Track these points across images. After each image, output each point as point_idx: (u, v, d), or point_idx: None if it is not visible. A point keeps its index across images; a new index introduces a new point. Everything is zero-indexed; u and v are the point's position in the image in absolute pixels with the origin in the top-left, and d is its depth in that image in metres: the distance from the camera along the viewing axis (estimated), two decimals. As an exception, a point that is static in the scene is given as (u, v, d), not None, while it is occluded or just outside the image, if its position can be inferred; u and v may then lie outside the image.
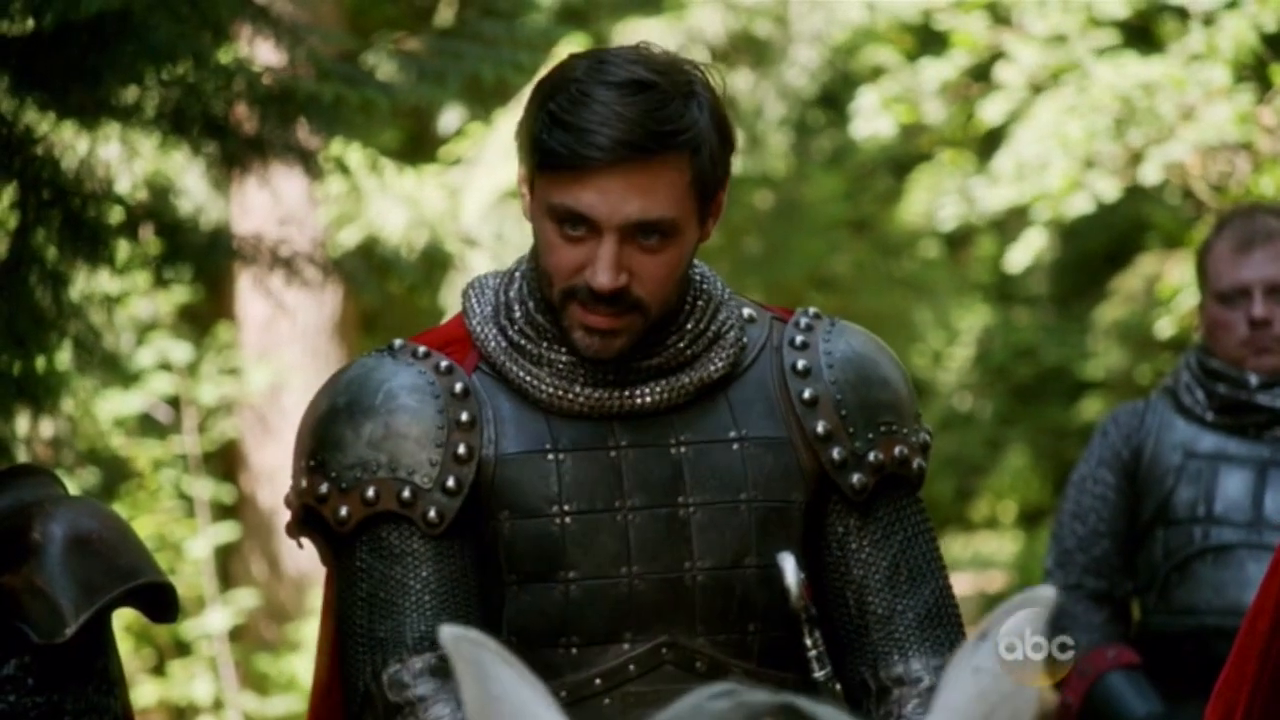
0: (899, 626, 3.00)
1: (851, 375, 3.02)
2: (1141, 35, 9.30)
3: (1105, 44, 8.92)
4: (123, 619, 9.60)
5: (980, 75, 9.53)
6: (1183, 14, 9.05)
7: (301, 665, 9.93)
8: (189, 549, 9.85)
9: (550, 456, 2.94)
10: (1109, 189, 8.88)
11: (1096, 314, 12.90)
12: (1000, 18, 9.19)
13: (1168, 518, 4.59)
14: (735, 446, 2.97)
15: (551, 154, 2.86)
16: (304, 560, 10.04)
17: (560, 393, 2.95)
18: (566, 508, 2.93)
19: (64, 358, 5.20)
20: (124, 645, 9.75)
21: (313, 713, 3.08)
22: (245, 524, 10.21)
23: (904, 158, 13.52)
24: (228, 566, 10.27)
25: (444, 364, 2.97)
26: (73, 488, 8.65)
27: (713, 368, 2.98)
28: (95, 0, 4.03)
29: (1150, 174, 8.83)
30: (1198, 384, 4.66)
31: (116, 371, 9.06)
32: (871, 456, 3.01)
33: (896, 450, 3.03)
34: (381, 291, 8.52)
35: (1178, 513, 4.58)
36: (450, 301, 10.15)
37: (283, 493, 3.06)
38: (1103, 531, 4.65)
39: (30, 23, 4.29)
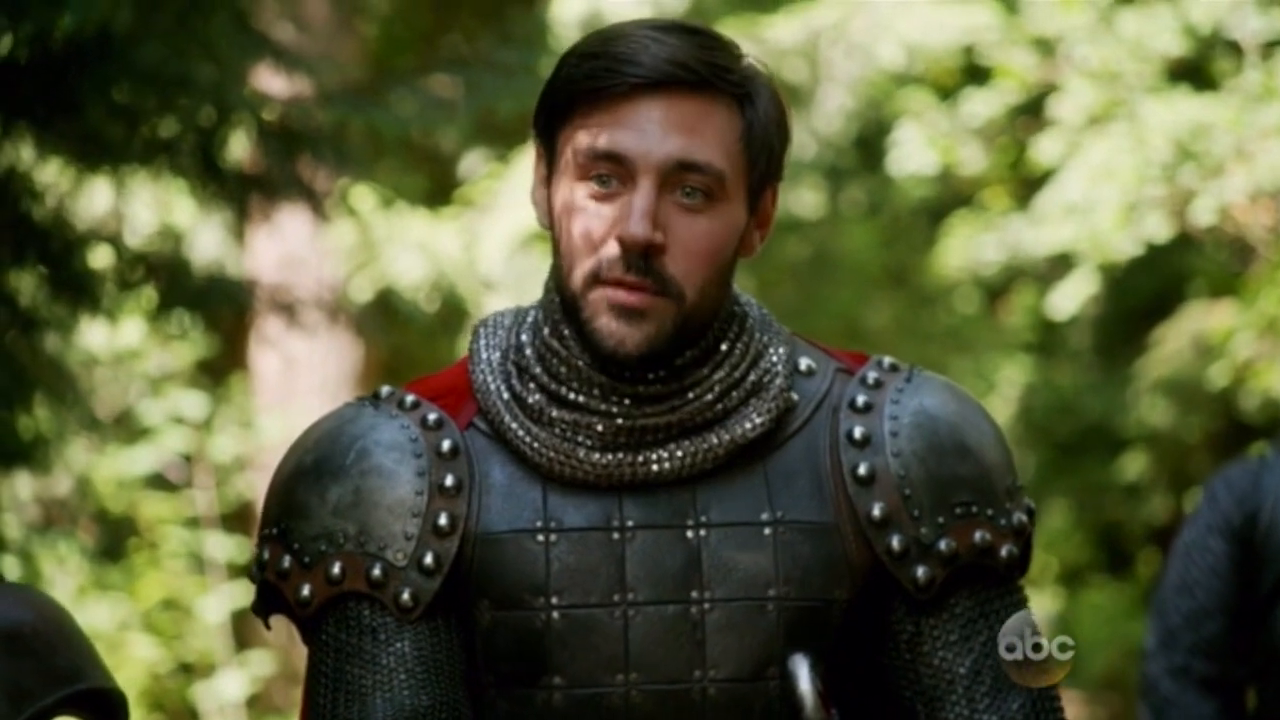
0: None
1: (920, 445, 2.52)
2: (1195, 74, 9.01)
3: (1157, 83, 8.66)
4: (133, 681, 9.28)
5: (1025, 112, 9.29)
6: (1237, 50, 8.78)
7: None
8: (201, 611, 9.59)
9: (540, 538, 2.48)
10: (1159, 229, 8.59)
11: (1139, 367, 12.60)
12: (1048, 52, 8.93)
13: None
14: (767, 531, 2.49)
15: (581, 83, 2.45)
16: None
17: (562, 458, 2.49)
18: (555, 600, 2.47)
19: (53, 415, 4.90)
20: (132, 711, 9.45)
21: None
22: (261, 585, 9.92)
23: (940, 205, 13.27)
24: (242, 629, 9.99)
25: (432, 417, 2.53)
26: (74, 549, 8.40)
27: (748, 425, 2.50)
28: (75, 10, 3.71)
29: (1202, 214, 8.54)
30: None
31: (122, 428, 8.80)
32: (942, 545, 2.50)
33: (976, 536, 2.51)
34: (395, 340, 8.26)
35: None
36: (470, 351, 9.88)
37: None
38: (1213, 608, 4.18)
39: (8, 40, 4.00)
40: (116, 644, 9.30)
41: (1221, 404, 11.47)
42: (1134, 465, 13.52)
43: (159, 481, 9.86)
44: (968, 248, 11.57)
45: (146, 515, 9.60)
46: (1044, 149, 8.86)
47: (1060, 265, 10.15)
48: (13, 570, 6.08)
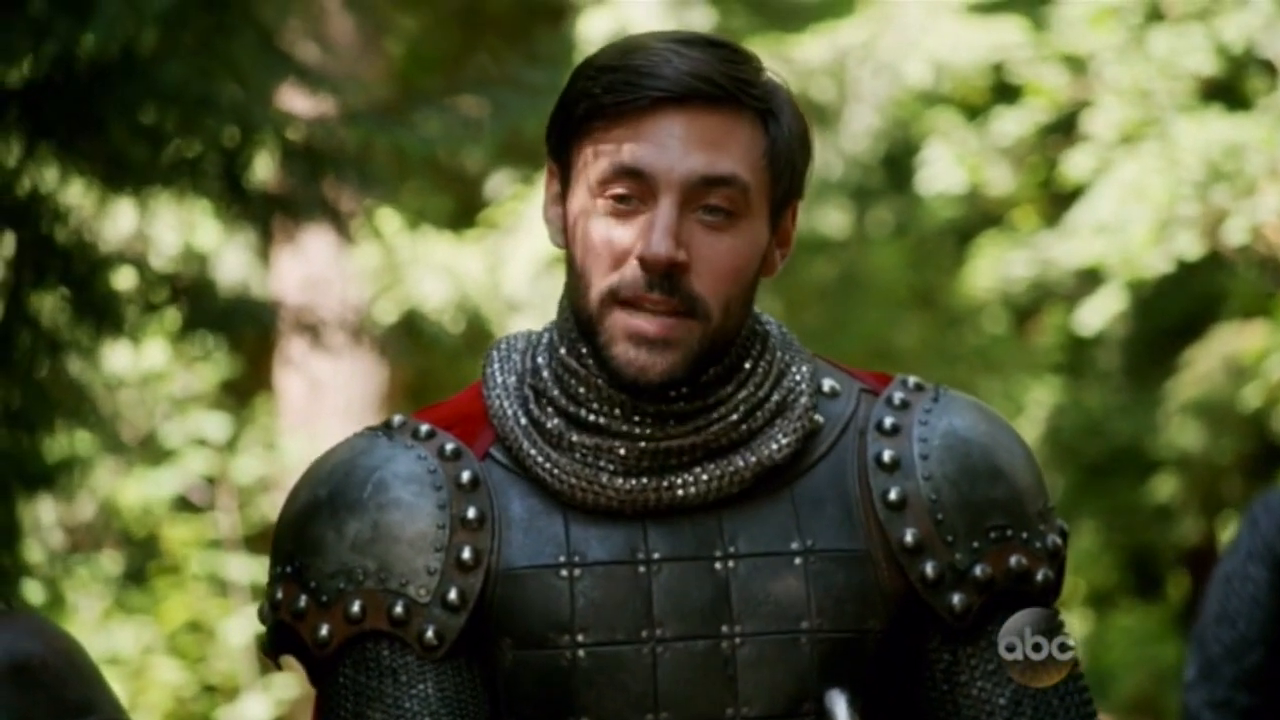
0: None
1: (952, 468, 2.43)
2: (1227, 93, 8.95)
3: (1189, 102, 8.62)
4: (157, 704, 9.23)
5: (1055, 131, 9.24)
6: (1270, 69, 8.72)
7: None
8: (225, 633, 9.56)
9: (564, 573, 2.38)
10: (1191, 248, 8.53)
11: (1170, 388, 12.53)
12: (1079, 69, 8.87)
13: None
14: (797, 561, 2.39)
15: (599, 97, 2.35)
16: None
17: (584, 484, 2.40)
18: (580, 638, 2.37)
19: (82, 437, 4.85)
20: (156, 736, 9.44)
21: None
22: (285, 607, 9.88)
23: (969, 225, 13.21)
24: (267, 652, 9.97)
25: (450, 447, 2.42)
26: (99, 573, 8.35)
27: (775, 446, 2.42)
28: (99, 29, 3.67)
29: (1234, 234, 8.49)
30: None
31: (146, 451, 8.76)
32: (977, 571, 2.40)
33: (1012, 561, 2.41)
34: (419, 362, 8.21)
35: None
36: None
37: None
38: (1255, 638, 4.09)
39: (29, 63, 3.96)
40: (141, 667, 9.27)
41: (1253, 426, 11.40)
42: (1164, 487, 13.44)
43: (182, 504, 9.84)
44: (996, 268, 11.52)
45: (170, 538, 9.56)
46: (1075, 163, 8.81)
47: (1089, 283, 10.10)
48: (37, 595, 6.03)
